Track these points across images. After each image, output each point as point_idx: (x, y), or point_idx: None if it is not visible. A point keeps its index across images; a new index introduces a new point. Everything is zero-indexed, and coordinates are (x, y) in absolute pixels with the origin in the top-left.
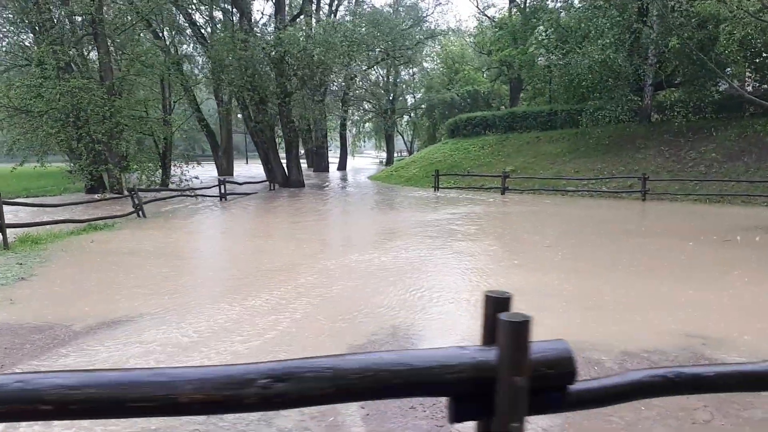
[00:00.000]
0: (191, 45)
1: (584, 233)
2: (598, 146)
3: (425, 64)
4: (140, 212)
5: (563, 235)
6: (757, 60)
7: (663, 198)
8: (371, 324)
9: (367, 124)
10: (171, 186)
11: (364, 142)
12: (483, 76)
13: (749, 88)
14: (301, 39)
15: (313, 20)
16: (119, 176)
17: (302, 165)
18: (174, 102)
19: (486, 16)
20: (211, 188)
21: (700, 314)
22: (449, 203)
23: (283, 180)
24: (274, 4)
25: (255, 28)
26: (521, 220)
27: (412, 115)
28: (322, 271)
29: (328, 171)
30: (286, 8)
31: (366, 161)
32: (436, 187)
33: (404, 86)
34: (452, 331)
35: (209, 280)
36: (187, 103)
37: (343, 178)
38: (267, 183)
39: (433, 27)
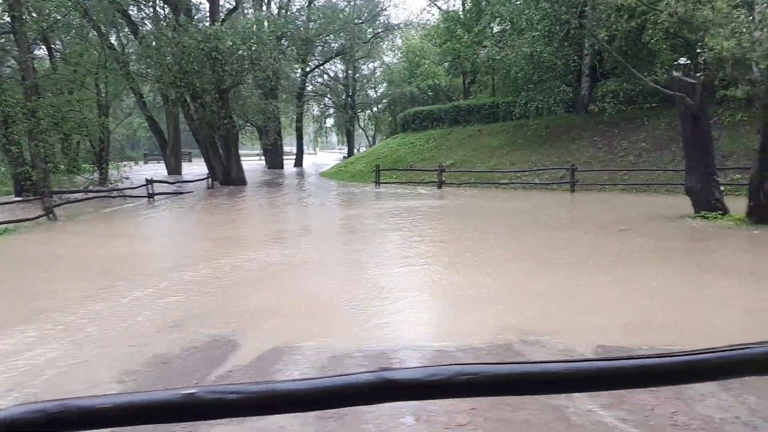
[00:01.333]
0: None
1: (489, 226)
2: (536, 138)
3: (386, 59)
4: (50, 215)
5: (466, 229)
6: (683, 49)
7: (592, 189)
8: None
9: (328, 120)
10: (108, 186)
11: (326, 137)
12: (442, 70)
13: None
14: (228, 34)
15: (250, 15)
16: (44, 178)
17: (251, 162)
18: (110, 101)
19: (436, 6)
20: (136, 188)
21: (545, 308)
22: (379, 199)
23: (223, 178)
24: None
25: (189, 24)
26: (435, 215)
27: (374, 109)
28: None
29: (282, 168)
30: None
31: (331, 157)
32: (377, 183)
33: (364, 81)
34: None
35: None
36: (135, 102)
37: (293, 175)
38: (206, 181)
39: (391, 21)
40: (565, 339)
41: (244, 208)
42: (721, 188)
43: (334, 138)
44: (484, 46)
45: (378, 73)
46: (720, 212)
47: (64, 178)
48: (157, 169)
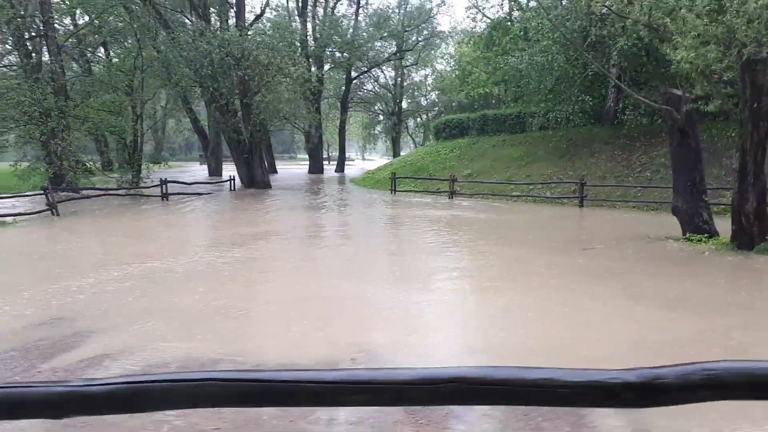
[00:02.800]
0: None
1: (451, 238)
2: (556, 150)
3: (438, 66)
4: (53, 210)
5: (434, 244)
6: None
7: (603, 205)
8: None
9: (377, 127)
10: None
11: (374, 144)
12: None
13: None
14: (245, 41)
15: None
16: (73, 174)
17: (295, 167)
18: (144, 102)
19: (483, 14)
20: (149, 188)
21: (425, 324)
22: (375, 206)
23: (248, 181)
24: (236, 6)
25: (207, 30)
26: (416, 226)
27: (423, 117)
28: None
29: (321, 173)
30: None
31: (378, 163)
32: (393, 190)
33: (414, 88)
34: None
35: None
36: (176, 104)
37: (324, 181)
38: (229, 183)
39: (438, 28)
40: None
41: (243, 211)
42: (711, 209)
43: (383, 145)
44: (511, 56)
45: (430, 81)
46: (707, 235)
47: (94, 177)
48: (200, 171)
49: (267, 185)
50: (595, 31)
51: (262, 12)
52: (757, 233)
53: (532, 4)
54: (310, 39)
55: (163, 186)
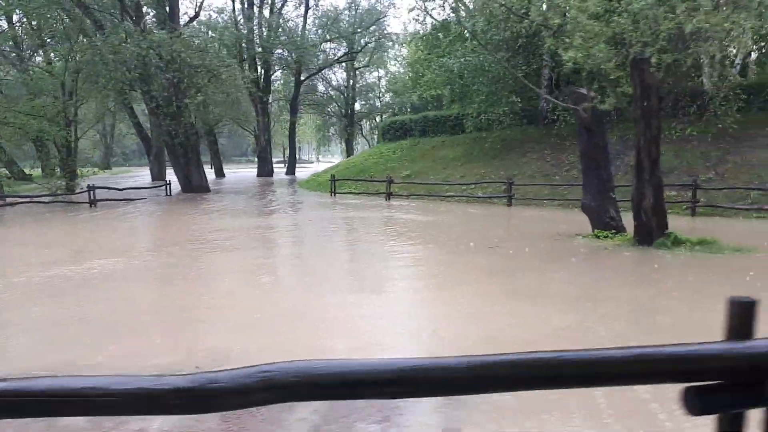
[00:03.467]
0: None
1: (375, 241)
2: (491, 151)
3: (392, 68)
4: None
5: (342, 244)
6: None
7: (530, 203)
8: None
9: (332, 128)
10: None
11: (327, 146)
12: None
13: None
14: (174, 42)
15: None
16: None
17: (244, 171)
18: (77, 106)
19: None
20: (77, 194)
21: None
22: (317, 208)
23: (184, 185)
24: (168, 8)
25: (134, 32)
26: (331, 229)
27: (376, 119)
28: None
29: (271, 176)
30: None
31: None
32: (333, 193)
33: (367, 90)
34: None
35: None
36: (117, 108)
37: (269, 184)
38: (164, 188)
39: (388, 30)
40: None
41: (165, 218)
42: (618, 205)
43: (339, 147)
44: (449, 57)
45: (383, 83)
46: (614, 231)
47: (32, 185)
48: (142, 176)
49: (205, 189)
50: (524, 32)
51: (197, 14)
52: (656, 228)
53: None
54: (257, 40)
55: (91, 192)
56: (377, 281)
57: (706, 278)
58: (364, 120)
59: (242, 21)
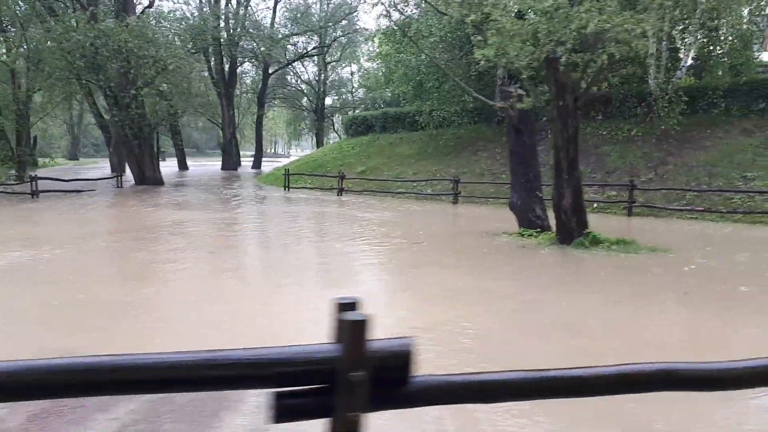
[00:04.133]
0: None
1: (308, 237)
2: (445, 148)
3: (367, 64)
4: None
5: (274, 239)
6: None
7: (476, 201)
8: None
9: (303, 123)
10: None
11: (298, 140)
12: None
13: None
14: (122, 32)
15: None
16: None
17: (211, 163)
18: (30, 94)
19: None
20: (17, 184)
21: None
22: (264, 202)
23: (138, 177)
24: None
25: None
26: (269, 223)
27: (349, 114)
28: None
29: (236, 169)
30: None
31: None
32: (287, 187)
33: (339, 85)
34: None
35: None
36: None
37: (230, 177)
38: (115, 180)
39: (358, 26)
40: None
41: (102, 210)
42: (545, 204)
43: (311, 141)
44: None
45: (357, 78)
46: (539, 229)
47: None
48: (102, 168)
49: (159, 182)
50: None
51: (151, 3)
52: (575, 227)
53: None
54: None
55: (33, 183)
56: (269, 275)
57: (607, 277)
58: (337, 115)
59: (207, 11)
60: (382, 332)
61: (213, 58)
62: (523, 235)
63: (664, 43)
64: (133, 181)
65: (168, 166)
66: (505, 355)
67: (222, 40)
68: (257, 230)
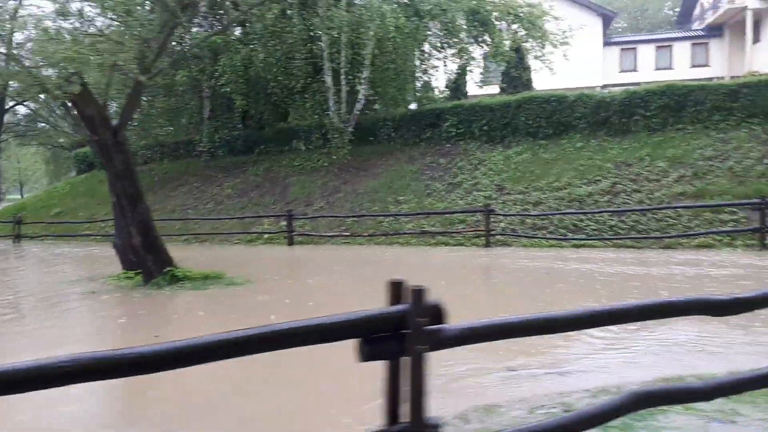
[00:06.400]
0: None
1: None
2: (149, 184)
3: None
4: None
5: None
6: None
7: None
8: None
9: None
10: None
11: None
12: None
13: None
14: None
15: None
16: None
17: None
18: None
19: None
20: None
21: None
22: None
23: None
24: None
25: None
26: None
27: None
28: None
29: None
30: None
31: None
32: (17, 237)
33: None
34: None
35: None
36: None
37: None
38: None
39: None
40: None
41: None
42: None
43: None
44: None
45: None
46: (139, 270)
47: None
48: None
49: None
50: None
51: None
52: (153, 266)
53: None
54: None
55: None
56: None
57: (167, 313)
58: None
59: None
60: None
61: None
62: (119, 278)
63: (342, 77)
64: None
65: None
66: None
67: None
68: None
